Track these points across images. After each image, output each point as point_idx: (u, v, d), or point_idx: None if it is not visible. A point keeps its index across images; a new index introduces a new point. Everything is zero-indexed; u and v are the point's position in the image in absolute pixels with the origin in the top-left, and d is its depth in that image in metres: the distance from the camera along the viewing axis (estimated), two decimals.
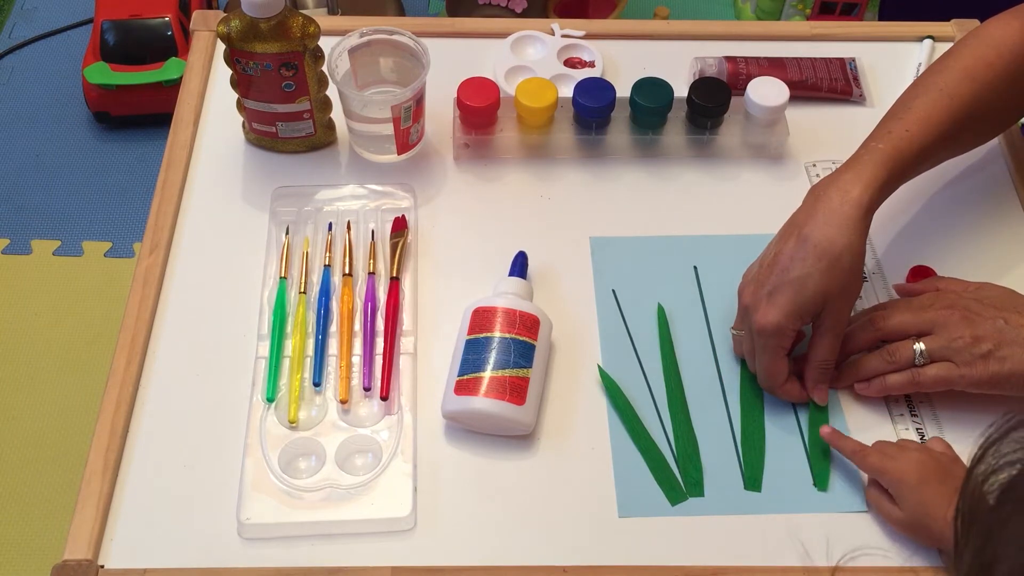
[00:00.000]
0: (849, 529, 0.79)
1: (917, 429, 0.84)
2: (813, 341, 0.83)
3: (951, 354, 0.80)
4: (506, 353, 0.82)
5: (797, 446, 0.83)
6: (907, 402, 0.85)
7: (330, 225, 0.94)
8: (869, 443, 0.80)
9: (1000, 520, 0.48)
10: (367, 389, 0.84)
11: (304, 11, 0.99)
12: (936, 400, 0.85)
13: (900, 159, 0.83)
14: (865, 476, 0.80)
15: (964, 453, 0.78)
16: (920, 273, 0.92)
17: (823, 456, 0.82)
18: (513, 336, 0.83)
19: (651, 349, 0.88)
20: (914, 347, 0.81)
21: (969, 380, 0.79)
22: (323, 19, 0.97)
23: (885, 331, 0.83)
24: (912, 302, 0.84)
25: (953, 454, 0.78)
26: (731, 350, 0.88)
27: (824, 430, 0.81)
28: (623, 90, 0.99)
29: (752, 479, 0.82)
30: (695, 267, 0.94)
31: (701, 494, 0.81)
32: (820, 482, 0.81)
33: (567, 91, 1.00)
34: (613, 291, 0.92)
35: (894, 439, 0.83)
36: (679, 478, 0.81)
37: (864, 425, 0.84)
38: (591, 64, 1.09)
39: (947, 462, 0.77)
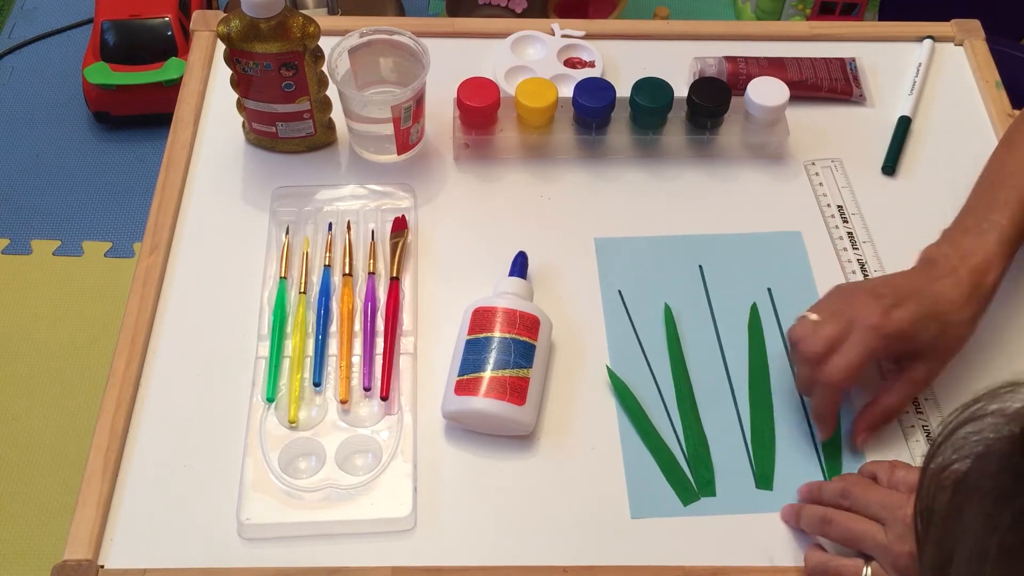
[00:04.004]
0: None
1: (923, 427, 0.84)
2: (892, 386, 0.82)
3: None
4: (506, 353, 0.82)
5: (807, 443, 0.83)
6: (918, 412, 0.85)
7: (330, 225, 0.94)
8: (875, 442, 0.80)
9: (954, 511, 0.49)
10: (367, 389, 0.84)
11: (304, 11, 0.99)
12: (942, 400, 0.85)
13: (1017, 232, 0.83)
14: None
15: None
16: None
17: (834, 453, 0.82)
18: (513, 336, 0.83)
19: (659, 349, 0.88)
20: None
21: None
22: (323, 19, 0.97)
23: (830, 535, 0.76)
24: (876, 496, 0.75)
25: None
26: (738, 349, 0.88)
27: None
28: (623, 90, 0.99)
29: (763, 477, 0.82)
30: (700, 266, 0.94)
31: (713, 494, 0.81)
32: (831, 477, 0.81)
33: (567, 91, 1.00)
34: (619, 292, 0.92)
35: (899, 435, 0.83)
36: (690, 478, 0.81)
37: (877, 443, 0.84)
38: (591, 64, 1.08)
39: None
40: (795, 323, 0.82)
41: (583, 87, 0.98)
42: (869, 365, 0.79)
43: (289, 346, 0.86)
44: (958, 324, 0.80)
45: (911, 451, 0.83)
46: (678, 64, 1.08)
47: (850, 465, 0.82)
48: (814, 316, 0.81)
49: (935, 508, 0.50)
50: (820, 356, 0.79)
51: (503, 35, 1.10)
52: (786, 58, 1.08)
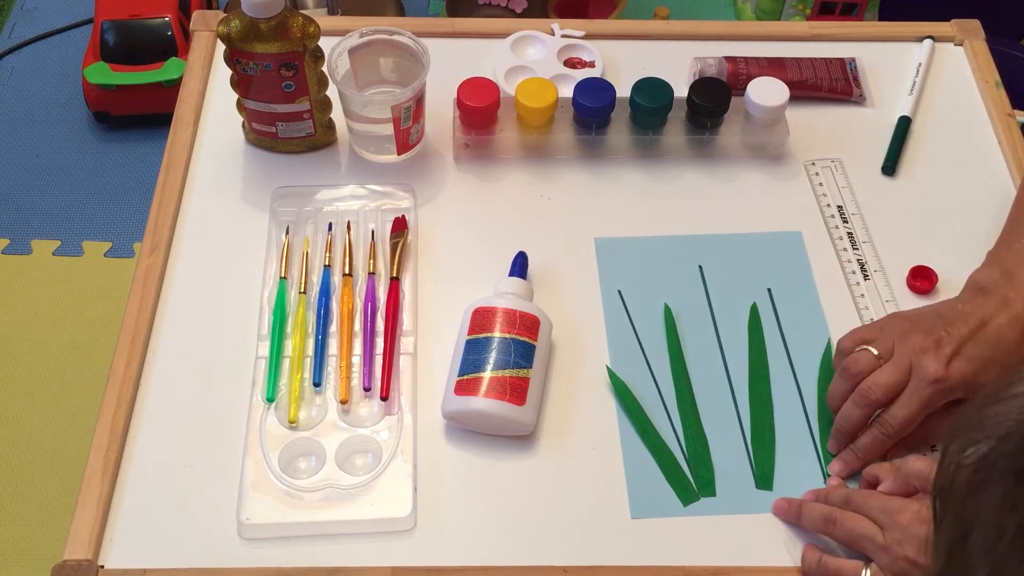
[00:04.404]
0: None
1: None
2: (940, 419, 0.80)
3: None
4: (506, 353, 0.82)
5: (807, 443, 0.84)
6: None
7: (330, 225, 0.94)
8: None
9: (974, 490, 0.49)
10: (367, 389, 0.84)
11: (304, 11, 0.99)
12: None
13: None
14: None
15: None
16: (920, 273, 0.92)
17: (835, 453, 0.82)
18: (513, 336, 0.83)
19: (659, 349, 0.88)
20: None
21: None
22: (323, 19, 0.97)
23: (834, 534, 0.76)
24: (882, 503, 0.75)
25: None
26: (738, 349, 0.88)
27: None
28: (623, 90, 0.99)
29: (763, 478, 0.82)
30: (700, 266, 0.94)
31: (713, 494, 0.81)
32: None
33: (567, 91, 1.00)
34: (619, 292, 0.92)
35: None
36: (690, 478, 0.81)
37: None
38: (591, 64, 1.09)
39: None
40: (855, 352, 0.81)
41: (583, 87, 0.98)
42: (926, 414, 0.78)
43: (289, 346, 0.86)
44: (1015, 364, 0.78)
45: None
46: (678, 64, 1.08)
47: None
48: (875, 351, 0.80)
49: (954, 487, 0.50)
50: (879, 403, 0.79)
51: (503, 35, 1.10)
52: (786, 58, 1.08)
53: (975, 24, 1.13)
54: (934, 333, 0.79)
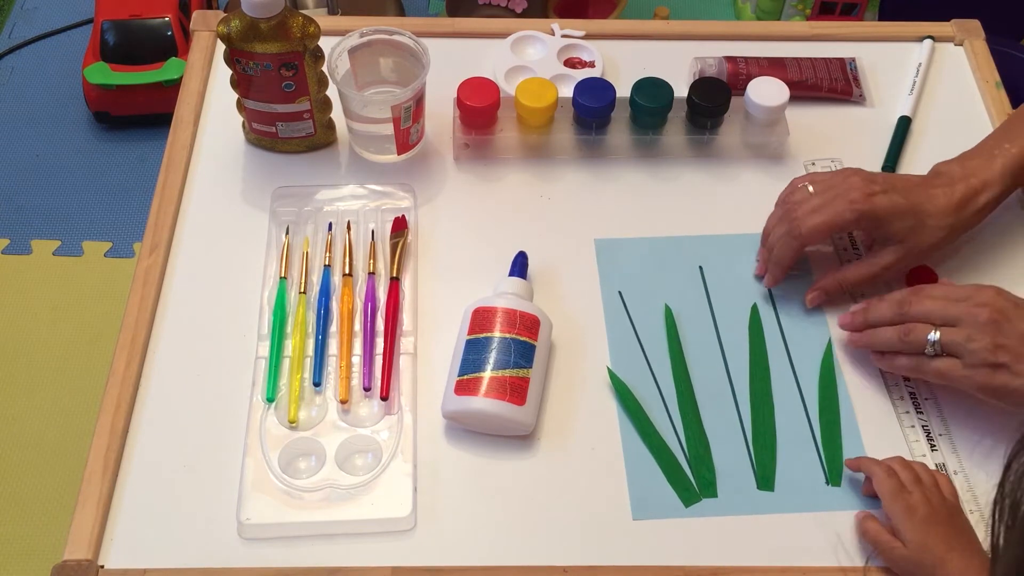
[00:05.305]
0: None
1: (924, 427, 0.84)
2: (857, 262, 0.90)
3: (963, 353, 0.78)
4: (506, 353, 0.82)
5: (808, 444, 0.84)
6: (912, 399, 0.85)
7: (330, 225, 0.94)
8: (876, 442, 0.81)
9: None
10: (367, 389, 0.84)
11: (304, 11, 0.99)
12: (942, 401, 0.85)
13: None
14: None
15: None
16: (919, 273, 0.92)
17: (835, 452, 0.83)
18: (513, 336, 0.83)
19: (659, 350, 0.88)
20: (928, 336, 0.79)
21: (972, 383, 0.78)
22: (323, 19, 0.97)
23: (909, 316, 0.82)
24: (949, 291, 0.81)
25: (956, 503, 0.77)
26: (739, 350, 0.88)
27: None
28: (623, 90, 0.99)
29: (765, 478, 0.82)
30: (700, 267, 0.94)
31: (714, 495, 0.81)
32: (833, 478, 0.81)
33: (567, 91, 1.00)
34: (620, 293, 0.92)
35: (900, 436, 0.84)
36: (692, 479, 0.81)
37: (870, 418, 0.85)
38: (591, 64, 1.09)
39: (951, 507, 0.76)
40: (793, 191, 0.89)
41: (583, 87, 0.98)
42: (835, 231, 0.87)
43: (289, 346, 0.86)
44: (935, 228, 0.86)
45: (911, 451, 0.83)
46: (678, 64, 1.08)
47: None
48: (811, 188, 0.88)
49: (1022, 501, 0.50)
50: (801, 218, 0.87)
51: (503, 35, 1.10)
52: (786, 58, 1.08)
53: (975, 24, 1.13)
54: (871, 178, 0.87)
